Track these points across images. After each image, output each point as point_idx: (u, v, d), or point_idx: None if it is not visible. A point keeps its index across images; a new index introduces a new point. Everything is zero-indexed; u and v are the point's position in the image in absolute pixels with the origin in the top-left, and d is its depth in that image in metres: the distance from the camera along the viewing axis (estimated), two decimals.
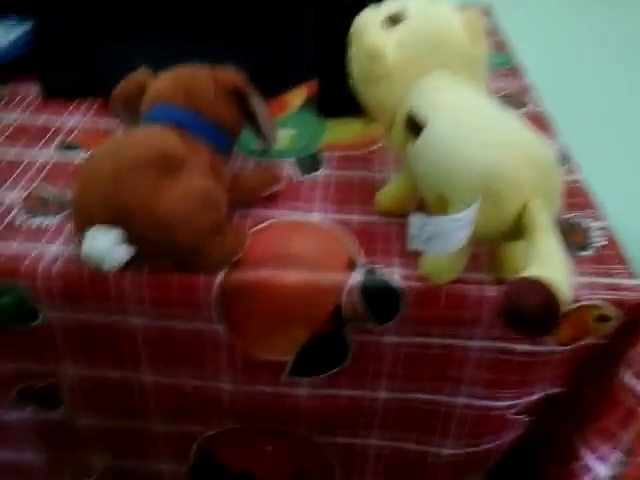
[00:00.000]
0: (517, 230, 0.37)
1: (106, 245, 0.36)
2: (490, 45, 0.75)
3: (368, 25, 0.45)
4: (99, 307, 0.43)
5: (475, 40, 0.44)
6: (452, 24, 0.44)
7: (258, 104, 0.48)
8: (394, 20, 0.44)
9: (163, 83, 0.46)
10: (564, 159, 0.55)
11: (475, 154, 0.37)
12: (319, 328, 0.43)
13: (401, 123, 0.43)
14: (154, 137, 0.42)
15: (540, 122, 0.61)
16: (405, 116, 0.43)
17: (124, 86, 0.49)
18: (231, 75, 0.47)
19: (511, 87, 0.67)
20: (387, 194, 0.48)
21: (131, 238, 0.38)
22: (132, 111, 0.50)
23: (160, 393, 0.47)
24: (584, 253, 0.45)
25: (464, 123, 0.39)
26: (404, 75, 0.43)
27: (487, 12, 0.86)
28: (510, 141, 0.37)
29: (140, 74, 0.49)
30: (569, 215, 0.48)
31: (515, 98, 0.65)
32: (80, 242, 0.38)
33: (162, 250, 0.40)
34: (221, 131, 0.47)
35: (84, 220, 0.39)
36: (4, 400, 0.48)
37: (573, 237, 0.47)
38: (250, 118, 0.49)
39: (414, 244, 0.37)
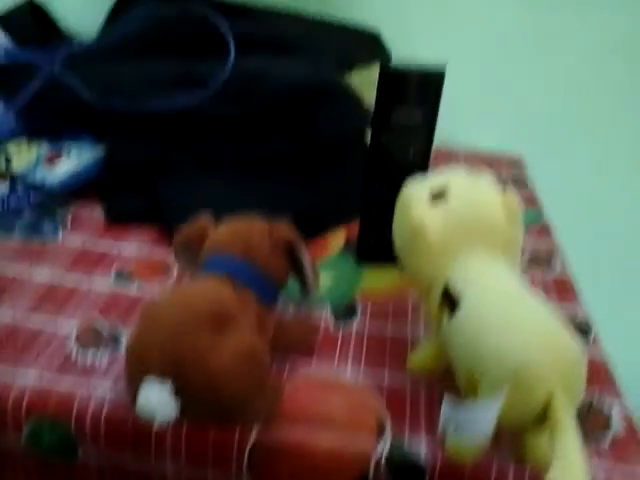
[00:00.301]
0: (541, 420, 0.39)
1: (161, 399, 0.39)
2: (520, 200, 0.81)
3: (414, 199, 0.49)
4: (137, 453, 0.45)
5: (512, 222, 0.48)
6: (492, 205, 0.48)
7: (307, 259, 0.52)
8: (437, 197, 0.48)
9: (223, 235, 0.51)
10: (586, 330, 0.57)
11: (505, 343, 0.40)
12: None
13: (437, 295, 0.47)
14: (211, 292, 0.45)
15: (565, 287, 0.64)
16: (441, 290, 0.46)
17: (186, 232, 0.53)
18: (285, 230, 0.52)
19: (539, 247, 0.71)
20: (418, 357, 0.51)
21: (180, 392, 0.41)
22: (192, 255, 0.54)
23: None
24: (603, 441, 0.47)
25: (496, 309, 0.42)
26: (444, 251, 0.47)
27: (518, 164, 0.92)
28: (539, 332, 0.40)
29: (201, 220, 0.53)
30: (589, 396, 0.50)
31: (542, 259, 0.68)
32: (133, 390, 0.41)
33: (207, 406, 0.42)
34: (271, 283, 0.50)
35: (140, 369, 0.42)
36: None
37: (593, 421, 0.48)
38: (297, 270, 0.53)
39: (446, 429, 0.39)
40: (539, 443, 0.42)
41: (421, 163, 0.60)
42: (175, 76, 0.73)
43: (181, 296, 0.45)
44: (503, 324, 0.40)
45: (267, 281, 0.50)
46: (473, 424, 0.38)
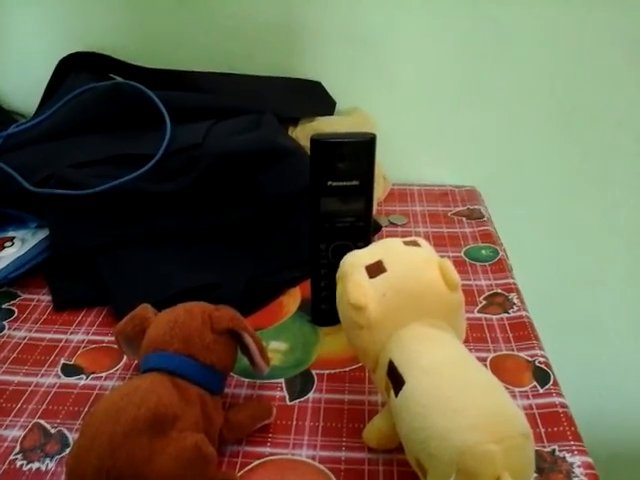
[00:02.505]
0: None
1: None
2: (477, 235, 0.80)
3: (351, 273, 0.49)
4: None
5: (452, 288, 0.47)
6: (429, 275, 0.47)
7: (252, 340, 0.51)
8: (375, 270, 0.48)
9: (160, 328, 0.50)
10: (545, 378, 0.57)
11: (447, 428, 0.39)
12: None
13: (383, 371, 0.46)
14: (148, 394, 0.44)
15: (523, 328, 0.63)
16: (386, 366, 0.46)
17: (125, 326, 0.52)
18: (227, 315, 0.51)
19: (495, 286, 0.70)
20: (373, 430, 0.50)
21: None
22: (133, 346, 0.53)
23: None
24: None
25: (437, 391, 0.41)
26: (385, 326, 0.46)
27: (473, 196, 0.92)
28: (481, 413, 0.39)
29: (140, 312, 0.52)
30: (549, 448, 0.50)
31: (499, 299, 0.68)
32: None
33: None
34: (214, 373, 0.49)
35: None
36: None
37: (554, 477, 0.47)
38: (244, 349, 0.52)
39: None
40: None
41: (363, 224, 0.60)
42: (114, 154, 0.72)
43: (118, 401, 0.43)
44: (443, 406, 0.40)
45: (210, 371, 0.49)
46: None
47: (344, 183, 0.59)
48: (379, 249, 0.50)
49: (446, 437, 0.38)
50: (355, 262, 0.50)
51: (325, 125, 0.85)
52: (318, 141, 0.58)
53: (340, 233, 0.61)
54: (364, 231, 0.61)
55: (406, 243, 0.50)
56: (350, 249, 0.61)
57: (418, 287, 0.47)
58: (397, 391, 0.43)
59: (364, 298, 0.46)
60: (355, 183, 0.59)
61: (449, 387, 0.41)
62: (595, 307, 1.02)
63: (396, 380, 0.44)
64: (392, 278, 0.47)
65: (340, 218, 0.60)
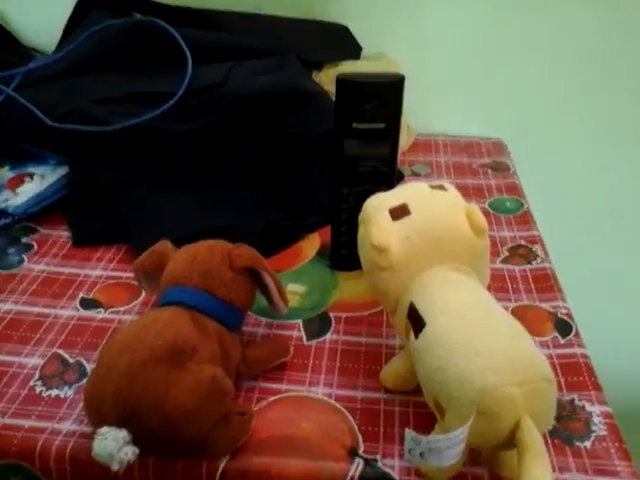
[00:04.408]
0: (512, 441, 0.38)
1: (115, 447, 0.38)
2: (502, 187, 0.79)
3: (375, 215, 0.48)
4: None
5: (477, 233, 0.46)
6: (455, 218, 0.46)
7: (270, 279, 0.51)
8: (398, 212, 0.47)
9: (180, 263, 0.49)
10: (566, 329, 0.56)
11: (468, 369, 0.38)
12: None
13: (403, 313, 0.45)
14: (167, 327, 0.44)
15: (545, 280, 0.62)
16: (407, 308, 0.45)
17: (144, 260, 0.52)
18: (246, 253, 0.50)
19: (519, 238, 0.69)
20: (391, 371, 0.50)
21: (139, 434, 0.40)
22: (152, 281, 0.53)
23: None
24: (583, 445, 0.45)
25: (459, 332, 0.40)
26: (407, 268, 0.46)
27: (500, 149, 0.89)
28: (503, 354, 0.39)
29: (159, 247, 0.52)
30: (569, 397, 0.49)
31: (523, 251, 0.67)
32: (92, 436, 0.40)
33: (168, 446, 0.41)
34: (233, 309, 0.49)
35: (95, 415, 0.41)
36: None
37: (572, 425, 0.47)
38: (263, 288, 0.52)
39: (409, 459, 0.38)
40: (511, 459, 0.41)
41: (387, 169, 0.59)
42: (134, 92, 0.71)
43: (137, 332, 0.43)
44: (464, 348, 0.39)
45: (229, 307, 0.48)
46: (439, 455, 0.37)
47: (369, 125, 0.57)
48: (404, 192, 0.49)
49: (467, 379, 0.38)
50: (378, 205, 0.48)
51: (350, 70, 0.83)
52: (344, 80, 0.56)
53: (363, 177, 0.59)
54: (388, 176, 0.60)
55: (432, 187, 0.49)
56: (372, 194, 0.60)
57: (443, 231, 0.46)
58: (417, 333, 0.43)
59: (387, 240, 0.45)
60: (381, 126, 0.57)
61: (471, 329, 0.41)
62: (621, 264, 1.00)
63: (417, 322, 0.43)
64: (416, 221, 0.46)
65: (363, 162, 0.59)
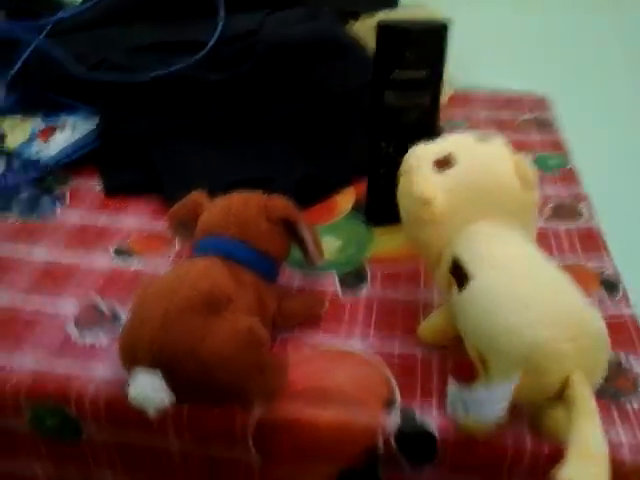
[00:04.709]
0: (559, 397, 0.36)
1: (151, 391, 0.38)
2: (545, 143, 0.76)
3: (417, 166, 0.46)
4: (141, 433, 0.44)
5: (526, 186, 0.44)
6: (502, 170, 0.44)
7: (306, 231, 0.49)
8: (443, 163, 0.45)
9: (215, 213, 0.48)
10: (613, 289, 0.53)
11: (516, 322, 0.36)
12: (352, 464, 0.43)
13: (446, 267, 0.44)
14: (204, 275, 0.43)
15: (591, 239, 0.59)
16: (450, 262, 0.43)
17: (178, 210, 0.51)
18: (281, 205, 0.49)
19: (564, 195, 0.66)
20: (429, 326, 0.48)
21: (174, 381, 0.39)
22: (186, 231, 0.52)
23: None
24: (630, 404, 0.44)
25: (507, 285, 0.39)
26: (452, 221, 0.44)
27: (543, 105, 0.86)
28: (553, 308, 0.37)
29: (194, 197, 0.51)
30: (616, 357, 0.47)
31: (567, 209, 0.64)
32: (126, 381, 0.39)
33: (204, 393, 0.41)
34: (269, 260, 0.48)
35: (131, 360, 0.41)
36: None
37: (621, 382, 0.45)
38: (298, 242, 0.50)
39: (453, 413, 0.37)
40: (557, 416, 0.40)
41: (428, 121, 0.56)
42: (166, 41, 0.69)
43: (171, 281, 0.43)
44: (514, 302, 0.37)
45: (265, 258, 0.47)
46: (482, 408, 0.35)
47: (410, 74, 0.55)
48: (449, 143, 0.47)
49: (517, 332, 0.36)
50: (423, 155, 0.46)
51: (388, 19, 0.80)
52: (386, 27, 0.54)
53: (402, 130, 0.57)
54: (429, 128, 0.57)
55: (479, 138, 0.47)
56: (412, 147, 0.58)
57: (490, 183, 0.44)
58: (461, 286, 0.41)
59: (431, 191, 0.43)
60: (423, 74, 0.55)
61: (521, 283, 0.39)
62: None
63: (461, 276, 0.41)
64: (462, 172, 0.44)
65: (404, 113, 0.56)
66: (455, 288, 0.42)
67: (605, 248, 0.58)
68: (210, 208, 0.49)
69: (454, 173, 0.44)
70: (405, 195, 0.46)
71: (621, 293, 0.53)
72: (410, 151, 0.48)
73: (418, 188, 0.44)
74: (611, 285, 0.54)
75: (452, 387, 0.36)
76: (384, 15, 0.82)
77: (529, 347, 0.35)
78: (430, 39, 0.54)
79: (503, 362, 0.37)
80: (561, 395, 0.36)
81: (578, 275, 0.55)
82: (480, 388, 0.36)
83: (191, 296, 0.41)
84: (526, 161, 0.44)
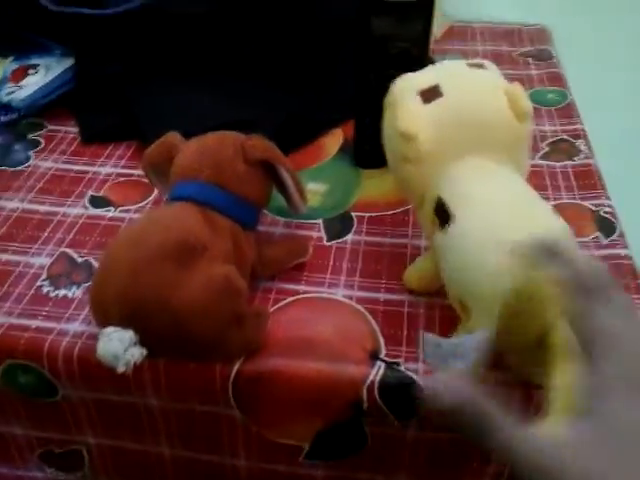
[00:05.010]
0: (541, 344, 0.35)
1: (120, 348, 0.36)
2: (544, 77, 0.72)
3: (402, 98, 0.42)
4: (118, 389, 0.43)
5: (520, 117, 0.41)
6: (493, 100, 0.41)
7: (288, 174, 0.46)
8: (429, 94, 0.42)
9: (189, 156, 0.45)
10: (609, 229, 0.51)
11: (497, 264, 0.34)
12: (336, 418, 0.42)
13: (430, 207, 0.41)
14: (176, 223, 0.41)
15: (588, 177, 0.57)
16: (434, 202, 0.41)
17: (152, 152, 0.48)
18: (261, 144, 0.46)
19: (561, 132, 0.63)
20: (415, 272, 0.46)
21: (146, 335, 0.38)
22: (161, 175, 0.49)
23: (178, 465, 0.47)
24: None
25: (487, 225, 0.36)
26: (437, 158, 0.41)
27: (542, 37, 0.81)
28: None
29: (168, 138, 0.48)
30: None
31: (565, 144, 0.61)
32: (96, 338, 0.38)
33: (178, 347, 0.39)
34: (247, 205, 0.45)
35: (100, 316, 0.39)
36: (26, 462, 0.49)
37: None
38: (280, 186, 0.48)
39: (430, 362, 0.35)
40: (540, 362, 0.38)
41: (418, 53, 0.53)
42: None
43: (141, 229, 0.40)
44: (492, 242, 0.35)
45: (243, 203, 0.45)
46: (460, 358, 0.34)
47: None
48: (437, 72, 0.43)
49: (497, 278, 0.34)
50: (408, 86, 0.43)
51: None
52: None
53: (392, 60, 0.53)
54: (419, 59, 0.53)
55: (470, 65, 0.43)
56: None
57: (479, 115, 0.41)
58: (443, 227, 0.39)
59: (415, 127, 0.40)
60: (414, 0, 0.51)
61: (500, 221, 0.36)
62: None
63: (444, 216, 0.39)
64: (450, 104, 0.41)
65: (393, 43, 0.52)
66: (437, 231, 0.40)
67: (602, 187, 0.56)
68: (184, 149, 0.47)
69: (441, 105, 0.41)
70: (388, 130, 0.43)
71: (617, 233, 0.51)
72: (395, 81, 0.44)
73: (401, 123, 0.40)
74: (608, 224, 0.52)
75: (428, 338, 0.34)
76: None
77: (511, 287, 0.33)
78: None
79: (485, 307, 0.35)
80: (542, 342, 0.34)
81: (574, 214, 0.53)
82: (453, 342, 0.34)
83: (162, 242, 0.39)
84: (520, 90, 0.41)
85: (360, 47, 0.53)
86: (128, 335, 0.37)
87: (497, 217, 0.37)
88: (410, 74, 0.44)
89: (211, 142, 0.46)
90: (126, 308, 0.37)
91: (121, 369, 0.36)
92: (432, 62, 0.71)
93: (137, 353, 0.37)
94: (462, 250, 0.36)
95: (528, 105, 0.40)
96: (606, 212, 0.53)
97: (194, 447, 0.46)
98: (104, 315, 0.39)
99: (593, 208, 0.53)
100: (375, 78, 0.54)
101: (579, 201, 0.54)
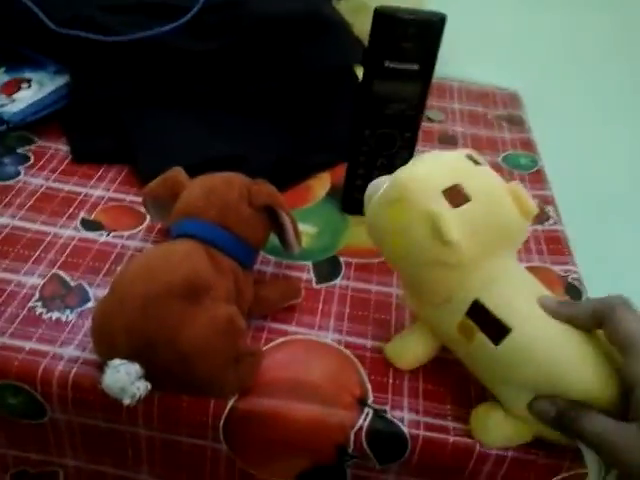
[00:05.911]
0: None
1: (127, 380, 0.37)
2: (516, 142, 0.76)
3: (428, 198, 0.40)
4: (108, 417, 0.43)
5: (528, 217, 0.42)
6: (509, 203, 0.42)
7: (288, 218, 0.48)
8: (456, 198, 0.41)
9: (197, 195, 0.47)
10: (576, 294, 0.55)
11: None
12: (321, 460, 0.44)
13: (461, 308, 0.41)
14: (184, 260, 0.42)
15: (557, 243, 0.61)
16: (466, 304, 0.41)
17: (156, 187, 0.49)
18: (266, 190, 0.48)
19: (533, 196, 0.67)
20: (407, 351, 0.46)
21: (152, 369, 0.38)
22: (162, 210, 0.50)
23: None
24: None
25: (550, 338, 0.40)
26: (472, 261, 0.40)
27: (515, 101, 0.87)
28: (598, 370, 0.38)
29: (173, 174, 0.49)
30: None
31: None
32: (102, 369, 0.38)
33: (181, 382, 0.40)
34: (248, 247, 0.47)
35: (104, 346, 0.40)
36: None
37: None
38: (278, 229, 0.50)
39: None
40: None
41: (414, 114, 0.56)
42: (145, 2, 0.65)
43: (151, 266, 0.41)
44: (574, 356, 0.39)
45: (244, 244, 0.46)
46: None
47: (403, 65, 0.54)
48: (449, 169, 0.42)
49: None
50: (428, 185, 0.41)
51: (374, 1, 0.78)
52: (383, 15, 0.52)
53: (388, 120, 0.56)
54: (414, 121, 0.57)
55: (472, 160, 0.43)
56: (395, 139, 0.58)
57: (502, 217, 0.41)
58: (496, 336, 0.40)
59: (459, 234, 0.39)
60: (415, 67, 0.54)
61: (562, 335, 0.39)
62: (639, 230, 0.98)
63: (487, 322, 0.40)
64: (478, 208, 0.40)
65: (391, 104, 0.56)
66: (479, 339, 0.40)
67: (570, 252, 0.60)
68: (190, 188, 0.48)
69: (470, 210, 0.40)
70: (407, 230, 0.41)
71: (583, 299, 0.55)
72: (400, 173, 0.43)
73: (447, 231, 0.39)
74: (574, 290, 0.56)
75: None
76: None
77: None
78: (428, 32, 0.53)
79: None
80: None
81: (543, 277, 0.55)
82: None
83: (171, 280, 0.40)
84: (523, 191, 0.42)
85: (360, 105, 0.56)
86: (135, 368, 0.37)
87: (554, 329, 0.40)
88: (417, 168, 0.43)
89: (218, 183, 0.47)
90: (135, 342, 0.38)
91: (127, 401, 0.37)
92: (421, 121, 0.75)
93: (143, 387, 0.38)
94: (532, 359, 0.39)
95: (533, 205, 0.42)
96: (573, 278, 0.57)
97: (175, 477, 0.47)
98: (109, 346, 0.39)
99: (562, 274, 0.57)
100: (370, 134, 0.57)
101: (549, 265, 0.58)
